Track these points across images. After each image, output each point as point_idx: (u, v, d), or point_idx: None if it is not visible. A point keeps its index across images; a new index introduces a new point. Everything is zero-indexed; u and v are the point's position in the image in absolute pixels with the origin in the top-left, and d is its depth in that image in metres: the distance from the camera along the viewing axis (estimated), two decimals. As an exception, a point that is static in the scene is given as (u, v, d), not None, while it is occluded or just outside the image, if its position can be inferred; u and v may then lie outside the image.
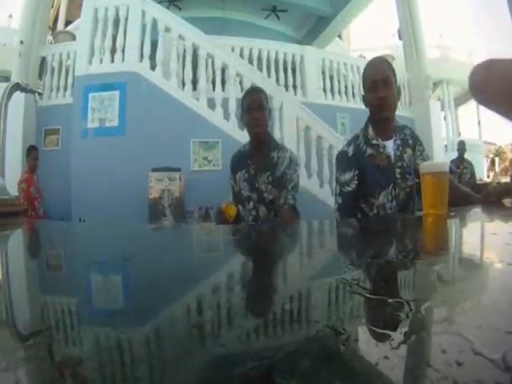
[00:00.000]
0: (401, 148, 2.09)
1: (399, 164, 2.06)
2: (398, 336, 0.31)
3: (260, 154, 2.46)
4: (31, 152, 5.87)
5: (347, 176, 2.09)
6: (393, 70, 2.09)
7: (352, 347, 0.32)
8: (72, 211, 5.70)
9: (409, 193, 2.06)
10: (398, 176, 2.05)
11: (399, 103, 2.25)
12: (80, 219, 5.19)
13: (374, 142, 2.09)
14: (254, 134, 2.49)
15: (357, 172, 2.07)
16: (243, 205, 2.47)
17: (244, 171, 2.44)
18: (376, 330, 0.34)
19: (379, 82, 2.03)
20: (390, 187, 2.03)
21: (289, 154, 2.51)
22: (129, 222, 5.41)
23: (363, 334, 0.35)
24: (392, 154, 2.07)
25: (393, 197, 2.03)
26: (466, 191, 2.13)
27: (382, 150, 2.07)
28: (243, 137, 5.79)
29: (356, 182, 2.07)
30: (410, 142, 2.14)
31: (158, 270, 0.71)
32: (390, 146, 2.08)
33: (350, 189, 2.09)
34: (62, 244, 1.31)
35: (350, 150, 2.14)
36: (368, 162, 2.07)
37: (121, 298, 0.56)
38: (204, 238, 1.40)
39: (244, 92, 2.63)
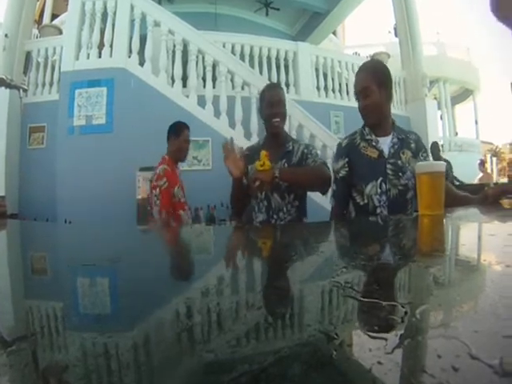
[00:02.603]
0: (397, 146, 2.17)
1: (392, 160, 2.14)
2: (392, 340, 0.31)
3: (274, 146, 2.54)
4: (179, 131, 3.92)
5: (339, 163, 2.26)
6: (378, 76, 2.16)
7: (345, 352, 0.31)
8: (57, 212, 5.65)
9: (403, 192, 2.12)
10: (390, 172, 2.13)
11: (394, 102, 2.32)
12: (65, 220, 5.15)
13: (368, 137, 2.22)
14: (273, 127, 2.57)
15: (347, 160, 2.23)
16: (254, 197, 2.55)
17: (255, 164, 2.44)
18: (369, 334, 0.33)
19: (359, 93, 2.20)
20: (379, 180, 2.12)
21: (303, 143, 2.74)
22: (116, 223, 5.39)
23: (356, 338, 0.35)
24: (386, 150, 2.17)
25: (382, 191, 2.12)
26: (462, 195, 2.16)
27: (374, 143, 2.19)
28: (234, 135, 5.78)
29: (346, 169, 2.23)
30: (413, 146, 2.22)
31: (147, 274, 0.71)
32: (385, 142, 2.19)
33: (341, 175, 2.25)
34: (45, 246, 1.30)
35: (344, 142, 2.31)
36: (359, 153, 2.22)
37: (107, 302, 0.55)
38: (193, 239, 1.40)
39: (264, 86, 2.72)
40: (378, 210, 2.13)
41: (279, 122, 2.54)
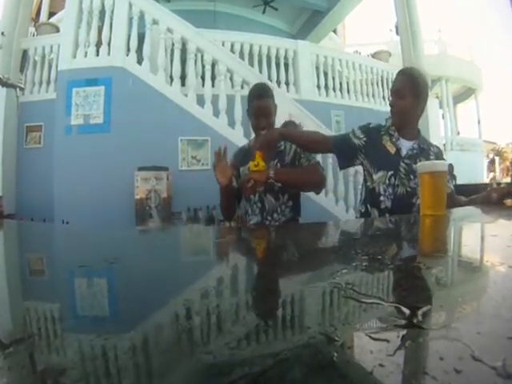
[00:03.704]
0: (416, 152, 2.25)
1: (407, 161, 2.21)
2: (393, 342, 0.31)
3: (265, 146, 2.46)
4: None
5: (358, 134, 2.35)
6: (414, 86, 2.25)
7: (346, 354, 0.31)
8: (54, 212, 5.64)
9: (410, 194, 2.18)
10: (402, 170, 2.20)
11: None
12: (63, 221, 5.14)
13: (391, 131, 2.31)
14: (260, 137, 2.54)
15: (365, 139, 2.31)
16: (247, 199, 2.52)
17: (248, 165, 2.42)
18: (371, 336, 0.33)
19: (393, 92, 2.31)
20: (390, 173, 2.21)
21: None
22: (114, 223, 5.39)
23: (357, 340, 0.35)
24: (404, 151, 2.25)
25: (390, 183, 2.21)
26: (467, 201, 2.20)
27: (394, 140, 2.28)
28: (233, 135, 5.79)
29: (364, 140, 2.31)
30: (432, 158, 2.27)
31: (144, 276, 0.70)
32: (405, 144, 2.28)
33: (353, 140, 2.34)
34: (42, 248, 1.30)
35: (373, 125, 2.40)
36: (379, 141, 2.30)
37: (104, 304, 0.55)
38: (194, 240, 1.40)
39: (251, 88, 2.68)
40: (382, 198, 2.22)
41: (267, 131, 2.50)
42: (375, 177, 2.25)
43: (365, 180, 2.36)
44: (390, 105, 2.32)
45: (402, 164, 2.21)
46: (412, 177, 2.17)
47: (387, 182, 2.21)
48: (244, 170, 2.47)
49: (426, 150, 2.28)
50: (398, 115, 2.28)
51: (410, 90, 2.23)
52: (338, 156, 2.43)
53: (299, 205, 2.57)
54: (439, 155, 2.33)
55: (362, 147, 2.32)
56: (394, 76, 2.37)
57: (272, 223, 2.42)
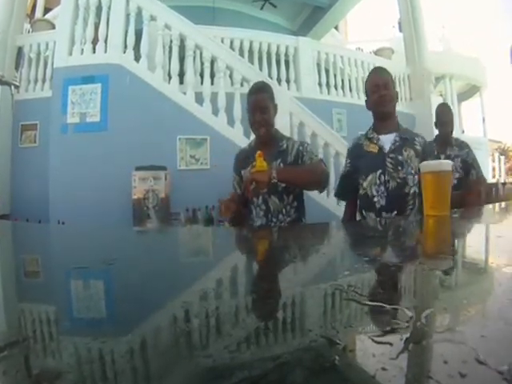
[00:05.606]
0: (398, 144, 2.35)
1: (392, 155, 2.33)
2: (396, 345, 0.31)
3: (267, 146, 2.50)
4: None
5: (345, 162, 2.65)
6: (391, 78, 2.54)
7: (348, 358, 0.31)
8: (50, 213, 5.63)
9: (402, 185, 2.29)
10: (389, 165, 2.32)
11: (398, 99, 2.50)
12: (59, 221, 5.14)
13: (370, 135, 2.45)
14: (259, 135, 2.57)
15: (349, 161, 2.58)
16: (251, 201, 2.52)
17: (251, 166, 2.43)
18: (373, 339, 0.33)
19: (380, 85, 2.43)
20: (379, 172, 2.33)
21: (298, 140, 2.80)
22: (111, 224, 5.38)
23: (360, 343, 0.35)
24: (387, 146, 2.37)
25: (381, 181, 2.33)
26: (463, 194, 2.27)
27: (375, 141, 2.41)
28: (233, 134, 5.78)
29: (348, 168, 2.58)
30: (418, 147, 2.37)
31: (142, 277, 0.70)
32: (387, 140, 2.39)
33: (343, 173, 2.65)
34: (37, 249, 1.30)
35: (351, 145, 2.63)
36: (362, 150, 2.47)
37: (101, 306, 0.55)
38: (190, 239, 1.40)
39: (249, 89, 2.70)
40: (376, 199, 2.33)
41: (264, 130, 2.51)
42: (365, 183, 2.39)
43: (357, 190, 2.49)
44: (380, 95, 2.41)
45: (387, 159, 2.32)
46: (400, 168, 2.29)
47: (377, 181, 2.32)
48: (246, 172, 2.46)
49: (409, 141, 2.38)
50: (389, 103, 2.42)
51: (390, 83, 2.45)
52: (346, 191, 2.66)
53: (303, 205, 2.56)
54: (426, 146, 2.43)
55: (350, 169, 2.55)
56: (393, 74, 2.54)
57: (277, 225, 2.41)
